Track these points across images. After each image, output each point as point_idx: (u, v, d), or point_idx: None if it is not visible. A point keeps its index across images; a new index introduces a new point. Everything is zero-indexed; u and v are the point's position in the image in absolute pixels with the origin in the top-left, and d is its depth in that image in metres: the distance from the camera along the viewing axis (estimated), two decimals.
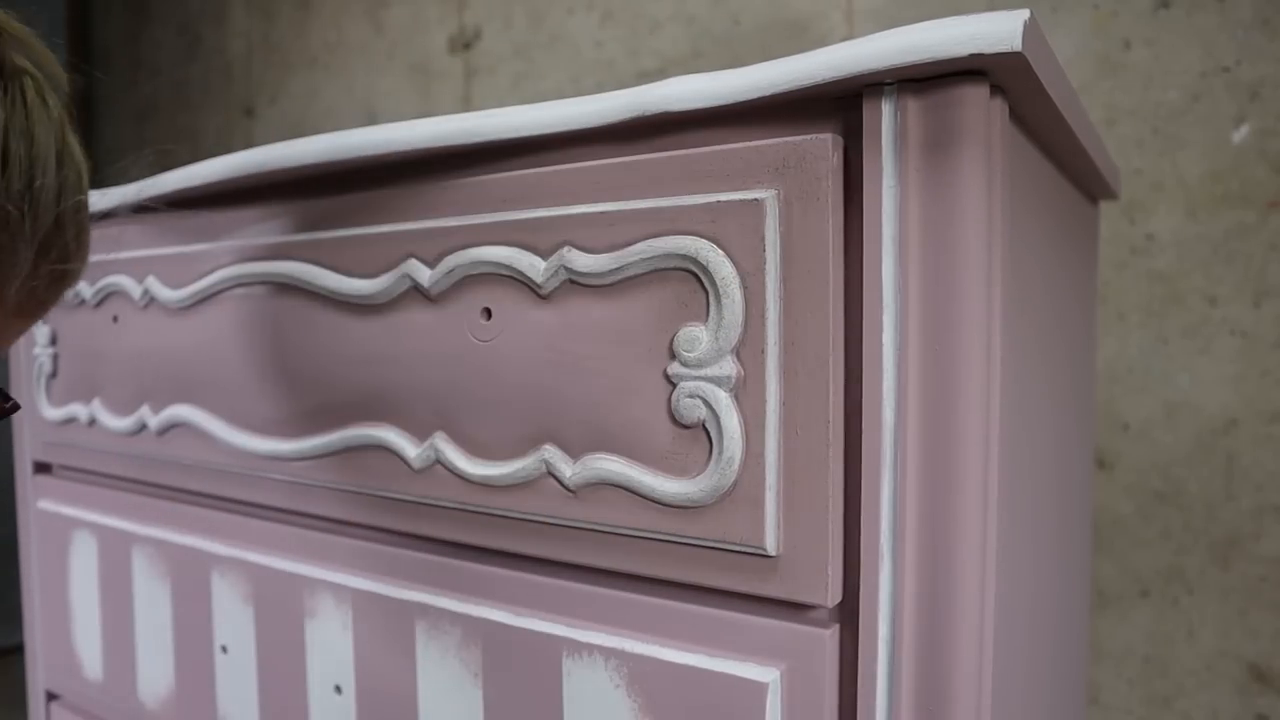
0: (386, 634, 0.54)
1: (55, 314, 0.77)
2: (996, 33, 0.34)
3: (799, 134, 0.40)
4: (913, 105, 0.37)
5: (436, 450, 0.50)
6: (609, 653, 0.45)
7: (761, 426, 0.40)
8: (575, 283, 0.45)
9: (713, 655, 0.43)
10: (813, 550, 0.40)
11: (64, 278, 0.41)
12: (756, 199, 0.39)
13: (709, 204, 0.40)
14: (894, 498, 0.38)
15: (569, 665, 0.46)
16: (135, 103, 1.96)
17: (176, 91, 1.87)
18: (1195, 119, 0.88)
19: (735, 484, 0.41)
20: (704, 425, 0.41)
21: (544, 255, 0.46)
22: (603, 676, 0.45)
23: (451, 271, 0.49)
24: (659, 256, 0.42)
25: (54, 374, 0.78)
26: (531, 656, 0.48)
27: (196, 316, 0.64)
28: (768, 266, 0.39)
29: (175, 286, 0.65)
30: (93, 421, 0.74)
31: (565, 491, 0.46)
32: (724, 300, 0.40)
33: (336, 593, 0.57)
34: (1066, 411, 0.63)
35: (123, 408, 0.71)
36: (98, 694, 0.76)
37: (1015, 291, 0.44)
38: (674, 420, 0.42)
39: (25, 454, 0.83)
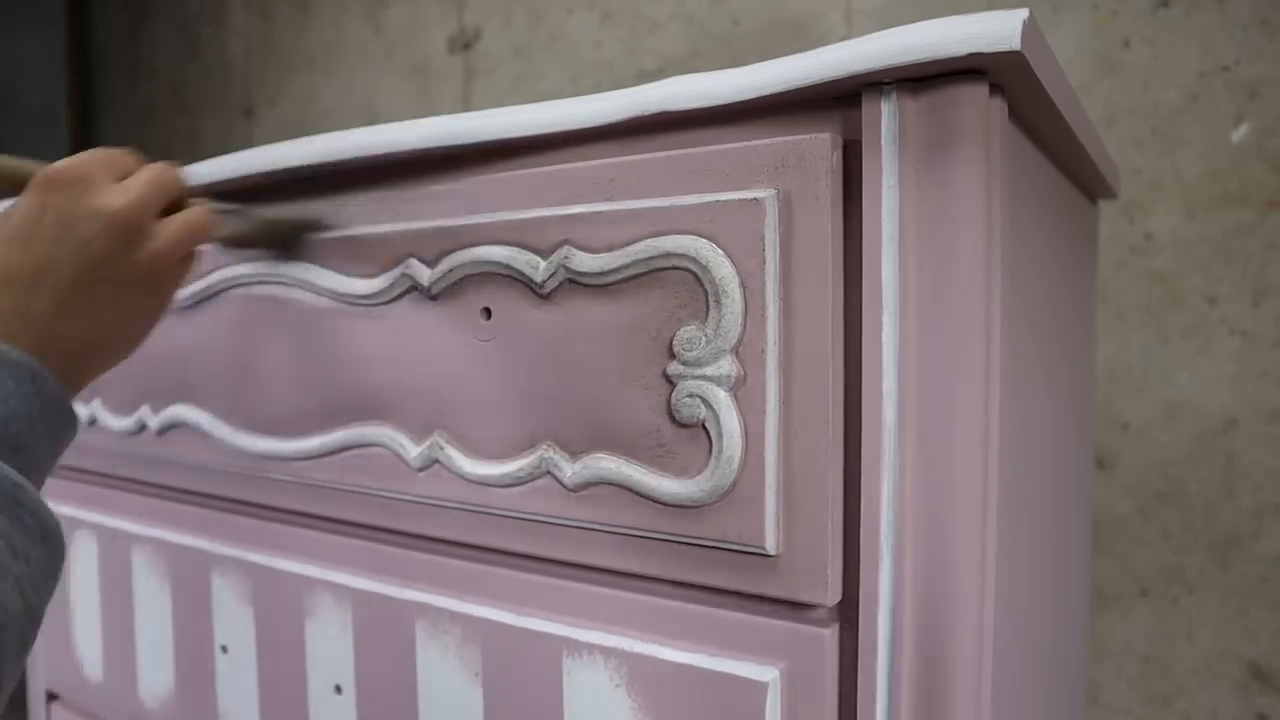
0: (386, 634, 0.54)
1: None
2: (995, 32, 0.34)
3: (798, 134, 0.40)
4: (912, 105, 0.37)
5: (436, 450, 0.50)
6: (609, 652, 0.45)
7: (761, 426, 0.40)
8: (575, 282, 0.45)
9: (713, 655, 0.43)
10: (812, 550, 0.40)
11: None
12: (756, 199, 0.39)
13: (708, 204, 0.40)
14: (894, 497, 0.38)
15: (569, 665, 0.46)
16: (135, 103, 1.96)
17: (176, 92, 1.87)
18: (1194, 119, 0.88)
19: (735, 483, 0.41)
20: (703, 425, 0.41)
21: (544, 255, 0.46)
22: (603, 676, 0.45)
23: (451, 271, 0.49)
24: (658, 256, 0.42)
25: None
26: (531, 656, 0.48)
27: (196, 316, 0.64)
28: (767, 266, 0.39)
29: None
30: (93, 421, 0.74)
31: (565, 491, 0.46)
32: (723, 300, 0.40)
33: (336, 593, 0.57)
34: (1066, 411, 0.63)
35: (123, 408, 0.71)
36: (98, 694, 0.76)
37: (1014, 291, 0.44)
38: (673, 420, 0.42)
39: None
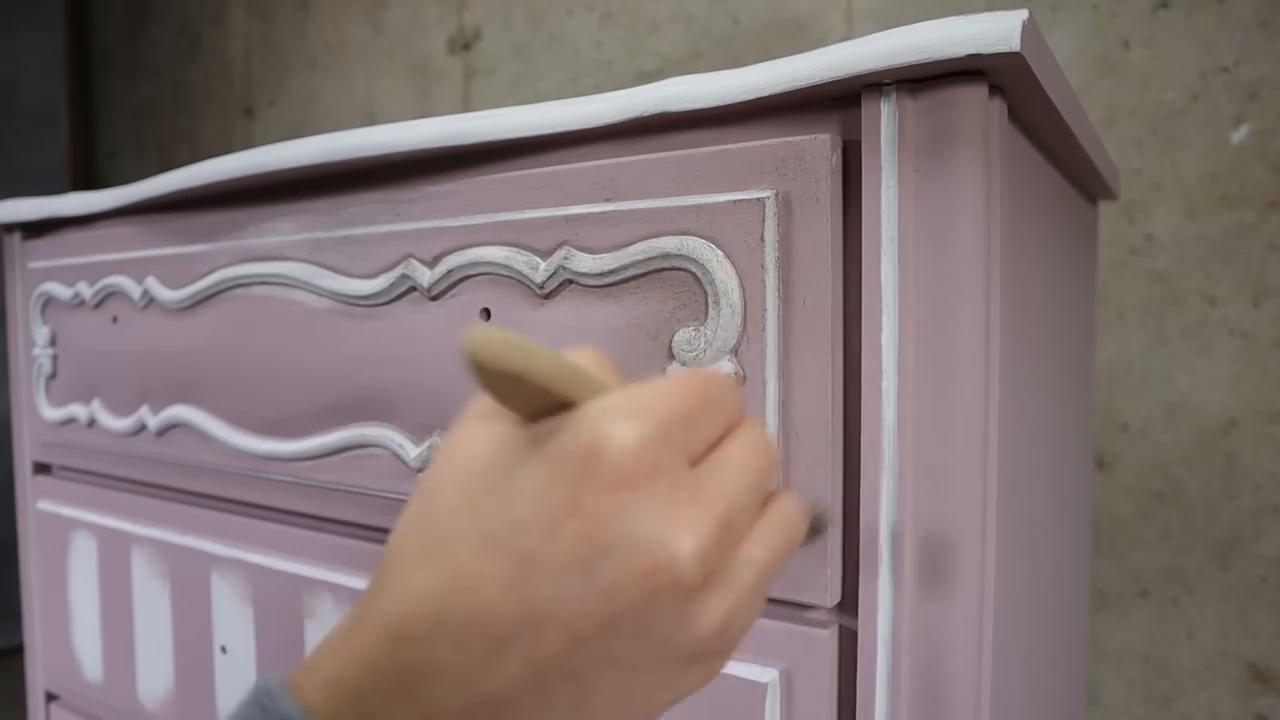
0: None
1: (55, 314, 0.78)
2: (995, 33, 0.34)
3: (798, 134, 0.40)
4: (911, 106, 0.37)
5: (436, 450, 0.50)
6: None
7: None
8: (575, 283, 0.45)
9: None
10: (812, 550, 0.40)
11: None
12: (756, 199, 0.39)
13: (708, 204, 0.40)
14: (893, 498, 0.38)
15: None
16: (135, 103, 1.96)
17: (176, 92, 1.87)
18: (1194, 119, 0.88)
19: None
20: None
21: (544, 255, 0.46)
22: None
23: (451, 272, 0.49)
24: (658, 257, 0.42)
25: (54, 374, 0.78)
26: None
27: (196, 317, 0.64)
28: (767, 267, 0.39)
29: (175, 287, 0.65)
30: (92, 422, 0.74)
31: None
32: (723, 301, 0.40)
33: (336, 593, 0.57)
34: (1066, 411, 0.63)
35: (122, 408, 0.71)
36: (97, 694, 0.76)
37: (1014, 292, 0.44)
38: None
39: (25, 454, 0.83)
